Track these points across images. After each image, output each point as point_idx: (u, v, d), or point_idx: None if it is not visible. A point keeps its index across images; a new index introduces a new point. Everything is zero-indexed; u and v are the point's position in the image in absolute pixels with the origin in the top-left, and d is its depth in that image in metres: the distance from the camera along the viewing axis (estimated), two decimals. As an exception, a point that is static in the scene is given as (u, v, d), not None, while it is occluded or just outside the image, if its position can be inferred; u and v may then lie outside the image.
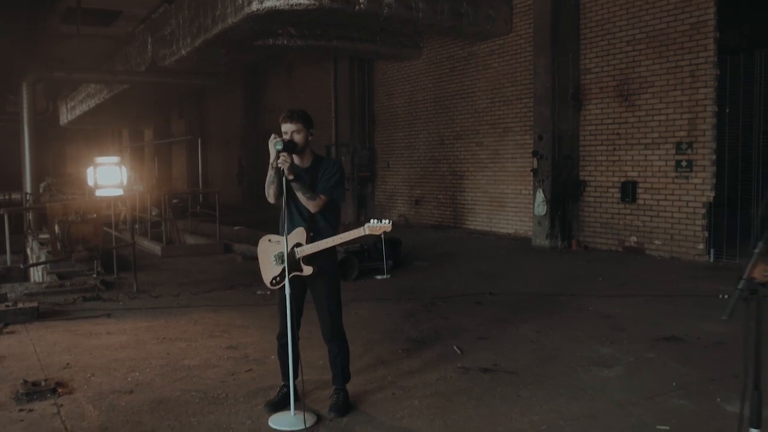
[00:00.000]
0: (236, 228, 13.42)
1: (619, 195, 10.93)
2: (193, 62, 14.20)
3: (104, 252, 8.48)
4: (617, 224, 10.98)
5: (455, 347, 5.43)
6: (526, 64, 12.42)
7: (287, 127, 3.93)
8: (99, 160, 7.78)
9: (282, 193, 3.92)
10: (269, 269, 4.08)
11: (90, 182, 7.76)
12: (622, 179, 10.85)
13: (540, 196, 11.54)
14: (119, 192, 7.83)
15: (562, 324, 6.20)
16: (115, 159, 7.82)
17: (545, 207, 11.47)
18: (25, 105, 16.34)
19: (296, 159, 3.99)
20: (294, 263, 3.91)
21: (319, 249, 3.91)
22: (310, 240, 3.94)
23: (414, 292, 7.75)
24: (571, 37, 11.31)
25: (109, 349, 5.50)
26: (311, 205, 3.93)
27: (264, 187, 4.05)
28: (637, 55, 10.51)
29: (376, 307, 6.94)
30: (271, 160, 3.89)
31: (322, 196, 3.95)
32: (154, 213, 14.43)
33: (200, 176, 25.43)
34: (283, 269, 3.94)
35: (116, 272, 8.86)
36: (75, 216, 7.22)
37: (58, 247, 7.25)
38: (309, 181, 3.97)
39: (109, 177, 7.70)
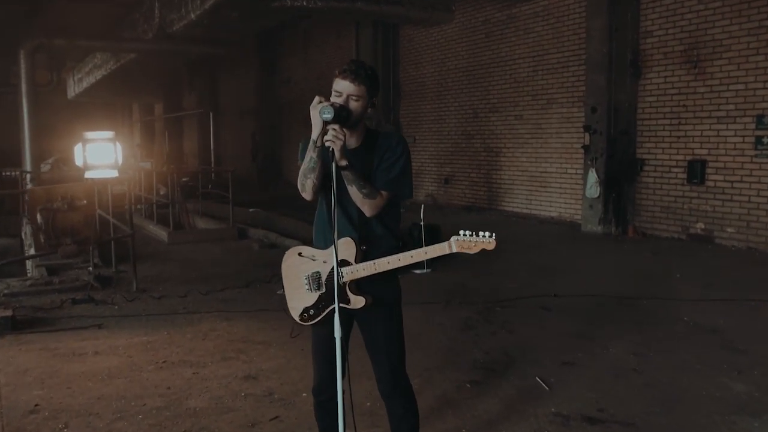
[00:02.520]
0: (252, 210, 12.22)
1: (684, 175, 9.61)
2: (204, 28, 12.95)
3: (100, 242, 7.31)
4: (681, 209, 9.67)
5: (538, 379, 4.21)
6: (574, 28, 11.05)
7: (344, 87, 2.61)
8: (89, 135, 6.56)
9: (326, 185, 2.66)
10: (299, 297, 2.80)
11: (78, 162, 6.57)
12: (689, 157, 9.52)
13: (593, 176, 10.22)
14: (113, 173, 6.62)
15: (661, 342, 4.96)
16: (108, 134, 6.60)
17: (598, 188, 10.17)
18: (23, 75, 15.10)
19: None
20: (338, 291, 2.65)
21: (378, 271, 2.66)
22: (362, 256, 2.69)
23: (464, 293, 6.52)
24: (631, -5, 9.92)
25: (93, 378, 4.31)
26: (368, 206, 2.67)
27: (296, 178, 2.76)
28: (710, 14, 9.10)
29: (422, 315, 5.72)
30: (314, 134, 2.60)
31: (384, 193, 2.68)
32: (161, 193, 13.27)
33: (212, 152, 24.25)
34: (321, 298, 2.72)
35: (114, 265, 7.68)
36: (61, 203, 6.03)
37: (42, 240, 6.07)
38: (360, 167, 2.69)
39: (101, 155, 6.49)
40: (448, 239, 2.62)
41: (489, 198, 13.26)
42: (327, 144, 2.54)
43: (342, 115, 2.55)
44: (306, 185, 2.72)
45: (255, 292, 6.77)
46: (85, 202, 6.13)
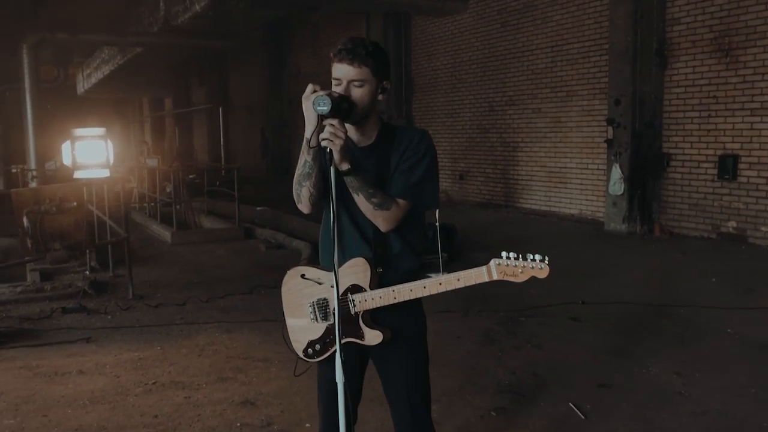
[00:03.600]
0: (259, 209, 11.77)
1: (714, 171, 9.04)
2: (209, 20, 12.57)
3: (95, 244, 6.88)
4: (711, 206, 9.12)
5: (572, 405, 3.72)
6: (595, 16, 10.50)
7: (343, 72, 2.12)
8: (78, 132, 6.11)
9: (327, 194, 2.14)
10: (303, 328, 2.30)
11: (66, 161, 6.13)
12: (719, 152, 8.95)
13: (617, 172, 9.67)
14: (105, 173, 6.18)
15: (707, 360, 4.44)
16: (98, 131, 6.15)
17: (623, 185, 9.62)
18: (26, 70, 14.79)
19: (352, 131, 2.21)
20: (349, 322, 2.18)
21: (398, 300, 2.16)
22: (378, 281, 2.19)
23: (483, 300, 6.02)
24: (657, -19, 9.36)
25: (74, 404, 3.86)
26: (381, 219, 2.15)
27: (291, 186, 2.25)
28: (743, -1, 8.54)
29: (439, 326, 5.22)
30: (307, 132, 2.10)
31: (401, 202, 2.17)
32: (168, 190, 12.84)
33: (222, 148, 23.86)
34: (328, 331, 2.24)
35: (112, 269, 7.25)
36: (49, 205, 5.59)
37: (29, 245, 5.65)
38: (373, 170, 2.18)
39: (91, 154, 6.05)
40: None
41: (506, 195, 12.75)
42: (324, 144, 2.03)
43: (342, 107, 2.05)
44: (301, 195, 2.21)
45: (258, 299, 6.31)
46: (75, 204, 5.71)
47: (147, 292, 6.63)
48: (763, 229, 8.50)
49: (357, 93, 2.12)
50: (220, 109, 22.11)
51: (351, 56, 2.10)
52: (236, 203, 10.66)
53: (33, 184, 12.75)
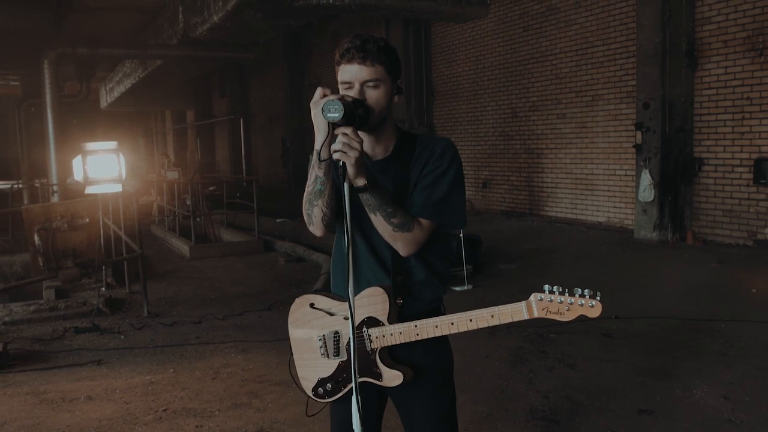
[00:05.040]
0: (279, 221, 11.59)
1: (749, 176, 8.67)
2: (227, 31, 12.48)
3: (108, 261, 6.73)
4: (746, 212, 8.74)
5: (612, 435, 3.43)
6: (621, 17, 10.19)
7: (353, 73, 1.87)
8: (89, 146, 5.97)
9: (341, 214, 1.88)
10: (312, 365, 2.06)
11: (77, 176, 5.99)
12: (755, 156, 8.58)
13: (646, 178, 9.33)
14: (117, 188, 6.03)
15: (755, 381, 4.12)
16: (110, 144, 6.00)
17: (653, 191, 9.27)
18: (47, 85, 14.80)
19: (367, 142, 1.93)
20: (364, 360, 1.93)
21: (420, 338, 1.90)
22: (398, 313, 1.93)
23: (511, 316, 5.73)
24: (686, -21, 9.04)
25: (80, 434, 3.67)
26: (401, 242, 1.89)
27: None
28: (778, -5, 8.19)
29: (465, 344, 4.96)
30: (317, 144, 1.85)
31: (423, 222, 1.90)
32: (187, 203, 12.72)
33: (243, 159, 23.82)
34: (341, 368, 1.99)
35: (128, 285, 7.09)
36: (60, 222, 5.44)
37: (40, 263, 5.49)
38: (391, 186, 1.92)
39: (103, 168, 5.90)
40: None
41: (530, 203, 12.43)
42: (336, 156, 1.75)
43: (356, 113, 1.77)
44: (313, 216, 1.95)
45: (277, 316, 6.09)
46: (87, 220, 5.55)
47: (162, 309, 6.45)
48: (803, 235, 8.12)
49: (373, 95, 1.86)
50: (241, 121, 22.10)
51: (362, 54, 1.85)
52: (256, 216, 10.48)
53: (54, 199, 12.70)
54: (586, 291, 1.78)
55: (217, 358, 4.93)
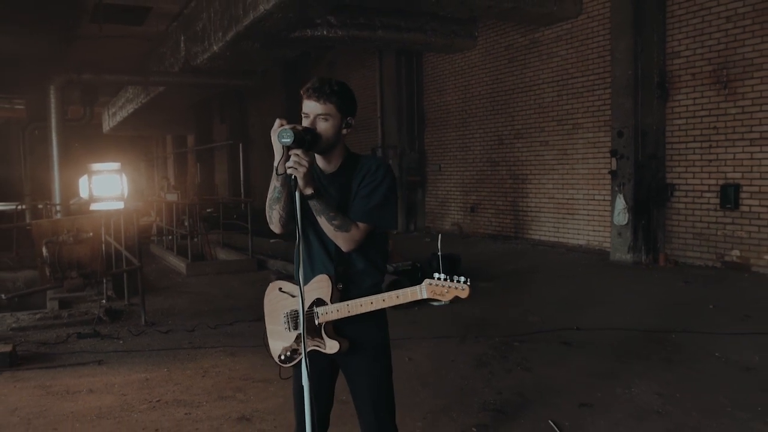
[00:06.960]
0: (272, 241, 12.08)
1: (716, 200, 9.17)
2: (226, 60, 13.06)
3: (110, 273, 7.21)
4: (714, 235, 9.22)
5: (551, 422, 3.89)
6: (599, 50, 10.77)
7: (310, 107, 2.42)
8: (95, 166, 6.51)
9: (295, 216, 2.40)
10: (279, 336, 2.59)
11: (83, 194, 6.50)
12: (721, 182, 9.09)
13: (621, 202, 9.84)
14: (119, 205, 6.55)
15: (690, 382, 4.58)
16: (114, 165, 6.55)
17: (627, 215, 9.77)
18: (53, 109, 15.40)
19: (320, 160, 2.51)
20: (313, 332, 2.44)
21: (352, 314, 2.41)
22: (339, 295, 2.44)
23: (482, 326, 6.21)
24: (656, 15, 9.62)
25: (82, 419, 4.12)
26: (342, 240, 2.40)
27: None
28: (740, 33, 8.75)
29: (435, 350, 5.44)
30: (276, 161, 2.38)
31: (360, 225, 2.41)
32: (185, 224, 13.22)
33: (242, 182, 24.38)
34: (297, 339, 2.49)
35: (127, 298, 7.56)
36: (66, 235, 5.94)
37: (47, 273, 5.98)
38: (337, 195, 2.45)
39: (107, 187, 6.42)
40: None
41: (515, 226, 12.92)
42: (289, 171, 2.30)
43: (305, 139, 2.32)
44: (272, 217, 2.52)
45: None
46: (91, 234, 6.04)
47: (159, 319, 6.91)
48: (766, 257, 8.58)
49: (322, 126, 2.41)
50: (240, 146, 22.66)
51: (318, 94, 2.40)
52: (249, 236, 10.97)
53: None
54: (461, 278, 2.27)
55: (207, 360, 5.40)
